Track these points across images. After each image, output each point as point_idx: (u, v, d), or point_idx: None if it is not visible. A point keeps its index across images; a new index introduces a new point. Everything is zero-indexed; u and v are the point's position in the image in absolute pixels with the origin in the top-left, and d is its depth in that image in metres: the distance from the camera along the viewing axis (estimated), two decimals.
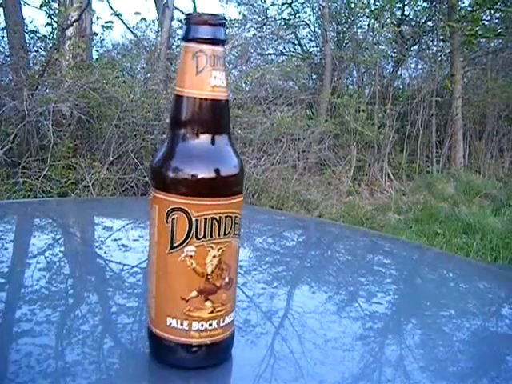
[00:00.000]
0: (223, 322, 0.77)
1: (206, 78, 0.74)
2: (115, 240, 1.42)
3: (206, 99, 0.74)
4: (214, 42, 0.74)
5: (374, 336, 0.97)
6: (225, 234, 0.74)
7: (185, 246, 0.73)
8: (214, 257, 0.74)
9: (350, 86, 10.12)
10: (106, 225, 1.66)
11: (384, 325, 1.04)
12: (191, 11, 9.52)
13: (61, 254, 1.33)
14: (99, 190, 5.44)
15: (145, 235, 1.47)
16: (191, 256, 0.73)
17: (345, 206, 6.97)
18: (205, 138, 0.75)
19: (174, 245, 0.73)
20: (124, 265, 1.23)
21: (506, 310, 1.24)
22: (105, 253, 1.32)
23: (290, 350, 0.87)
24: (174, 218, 0.73)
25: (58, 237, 1.51)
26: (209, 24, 0.74)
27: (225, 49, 0.76)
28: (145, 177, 5.73)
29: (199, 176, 0.73)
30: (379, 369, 0.87)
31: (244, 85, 8.07)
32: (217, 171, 0.74)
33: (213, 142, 0.76)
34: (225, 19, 0.76)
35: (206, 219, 0.73)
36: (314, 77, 10.30)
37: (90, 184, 5.39)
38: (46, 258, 1.25)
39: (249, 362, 0.82)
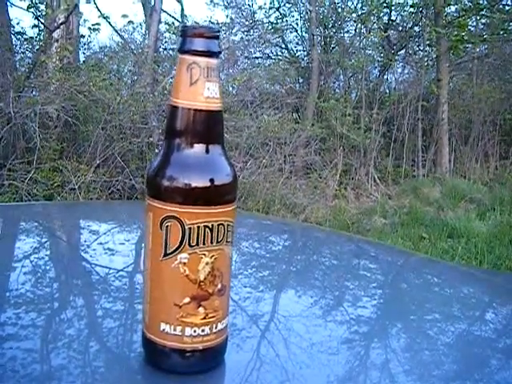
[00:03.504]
0: (216, 327, 0.78)
1: (199, 90, 0.75)
2: (101, 244, 1.42)
3: (199, 110, 0.76)
4: (208, 54, 0.76)
5: (360, 340, 0.98)
6: (217, 242, 0.76)
7: (178, 254, 0.75)
8: (207, 264, 0.75)
9: (337, 90, 10.13)
10: (92, 228, 1.66)
11: (369, 329, 1.06)
12: (179, 14, 9.52)
13: (47, 258, 1.34)
14: (85, 193, 5.42)
15: (131, 239, 1.48)
16: (184, 263, 0.75)
17: (331, 210, 6.99)
18: (199, 147, 0.77)
19: (168, 252, 0.75)
20: (110, 268, 1.23)
21: (489, 314, 1.26)
22: (91, 256, 1.32)
23: (276, 353, 0.88)
24: (167, 226, 0.75)
25: (43, 240, 1.51)
26: (203, 37, 0.75)
27: (219, 60, 0.78)
28: (131, 180, 5.72)
29: (193, 185, 0.75)
30: (364, 372, 0.88)
31: (231, 88, 8.07)
32: (210, 180, 0.76)
33: (207, 151, 0.77)
34: (219, 31, 0.77)
35: (198, 227, 0.74)
36: (301, 81, 10.31)
37: (77, 187, 5.36)
38: (31, 261, 1.25)
39: (235, 365, 0.83)
